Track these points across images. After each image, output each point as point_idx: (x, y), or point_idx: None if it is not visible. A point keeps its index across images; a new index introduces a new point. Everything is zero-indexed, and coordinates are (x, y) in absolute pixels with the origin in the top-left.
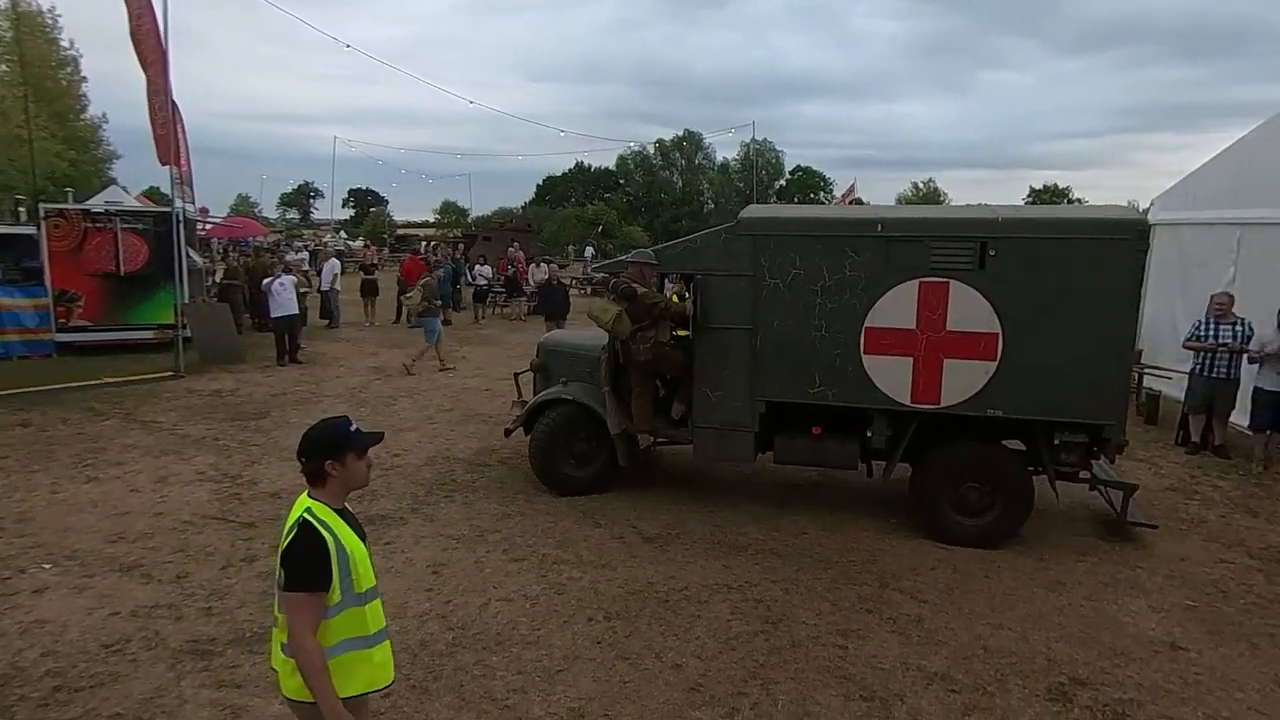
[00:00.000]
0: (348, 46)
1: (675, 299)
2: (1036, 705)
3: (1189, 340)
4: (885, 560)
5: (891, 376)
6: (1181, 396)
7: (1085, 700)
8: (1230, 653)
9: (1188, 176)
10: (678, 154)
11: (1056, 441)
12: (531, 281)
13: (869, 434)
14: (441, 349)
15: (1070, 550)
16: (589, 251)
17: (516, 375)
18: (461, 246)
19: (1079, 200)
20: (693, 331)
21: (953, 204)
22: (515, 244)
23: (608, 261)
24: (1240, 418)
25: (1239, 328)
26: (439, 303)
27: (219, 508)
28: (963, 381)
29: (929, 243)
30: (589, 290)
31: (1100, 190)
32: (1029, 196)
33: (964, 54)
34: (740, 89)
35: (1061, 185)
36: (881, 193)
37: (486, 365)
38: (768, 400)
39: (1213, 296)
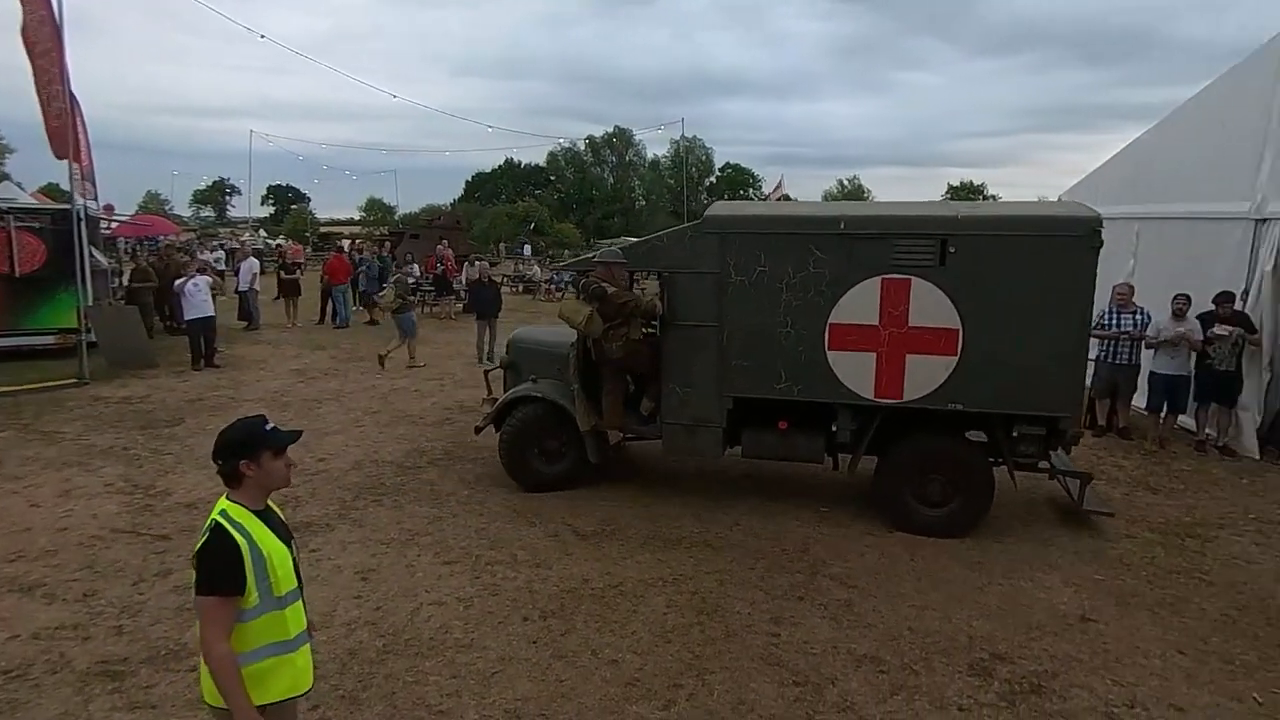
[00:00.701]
0: (262, 37)
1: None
2: (959, 681)
3: (1094, 329)
4: (816, 548)
5: (856, 372)
6: (1088, 382)
7: (1004, 674)
8: (1135, 622)
9: (1090, 174)
10: (608, 151)
11: (1015, 434)
12: (463, 279)
13: (834, 428)
14: (393, 350)
15: (989, 531)
16: (527, 249)
17: (486, 372)
18: (388, 244)
19: (993, 197)
20: (660, 328)
21: (876, 200)
22: (444, 241)
23: (576, 260)
24: (1140, 400)
25: (1139, 316)
26: (413, 298)
27: (129, 520)
28: (925, 376)
29: (891, 240)
30: (521, 288)
31: (1013, 187)
32: (947, 193)
33: (883, 54)
34: (669, 86)
35: (977, 182)
36: (808, 189)
37: (415, 368)
38: (735, 396)
39: (1114, 287)
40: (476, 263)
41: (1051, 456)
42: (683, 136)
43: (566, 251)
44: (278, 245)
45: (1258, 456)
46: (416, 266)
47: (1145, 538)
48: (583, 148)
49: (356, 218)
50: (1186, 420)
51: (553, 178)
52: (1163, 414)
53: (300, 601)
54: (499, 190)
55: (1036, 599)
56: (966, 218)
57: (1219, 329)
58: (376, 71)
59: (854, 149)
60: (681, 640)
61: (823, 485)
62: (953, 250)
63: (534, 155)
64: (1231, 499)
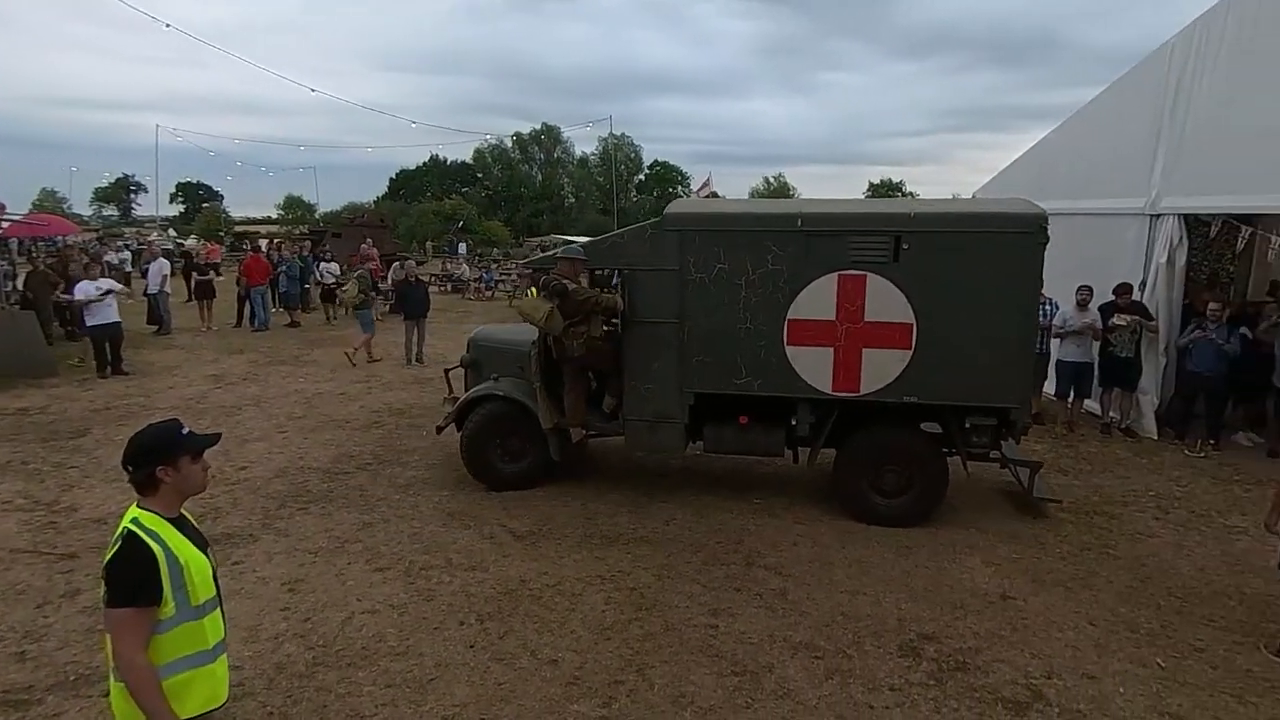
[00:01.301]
0: (167, 26)
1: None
2: (890, 662)
3: None
4: (750, 540)
5: (814, 366)
6: None
7: (931, 653)
8: (1050, 598)
9: (1001, 172)
10: (536, 148)
11: (968, 425)
12: (389, 280)
13: (794, 422)
14: (366, 345)
15: None
16: (462, 248)
17: (447, 371)
18: (309, 244)
19: (911, 194)
20: (621, 326)
21: (803, 198)
22: (368, 240)
23: (537, 258)
24: (1050, 387)
25: (1047, 307)
26: (375, 295)
27: (31, 539)
28: (880, 370)
29: (847, 237)
30: (450, 287)
31: (932, 185)
32: (868, 190)
33: (806, 55)
34: (597, 83)
35: (896, 180)
36: (735, 187)
37: (340, 369)
38: (696, 391)
39: None
40: (405, 263)
41: (1002, 446)
42: (611, 134)
43: (495, 250)
44: (181, 245)
45: (1156, 437)
46: (336, 265)
47: (1057, 517)
48: (510, 145)
49: (274, 216)
50: (1092, 404)
51: (480, 175)
52: (1070, 399)
53: (219, 610)
54: (424, 188)
55: (960, 580)
56: (919, 215)
57: (1119, 318)
58: (291, 64)
59: (779, 147)
60: (621, 636)
61: (756, 478)
62: (906, 247)
63: (460, 152)
64: (1134, 478)
